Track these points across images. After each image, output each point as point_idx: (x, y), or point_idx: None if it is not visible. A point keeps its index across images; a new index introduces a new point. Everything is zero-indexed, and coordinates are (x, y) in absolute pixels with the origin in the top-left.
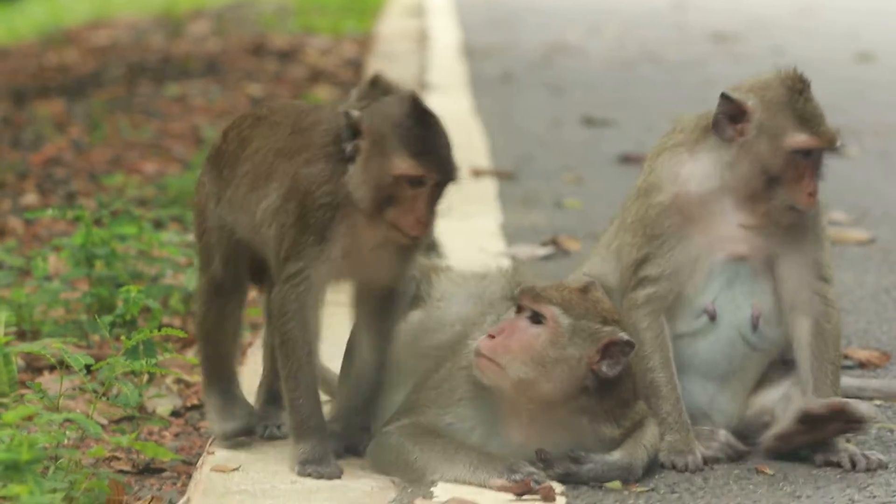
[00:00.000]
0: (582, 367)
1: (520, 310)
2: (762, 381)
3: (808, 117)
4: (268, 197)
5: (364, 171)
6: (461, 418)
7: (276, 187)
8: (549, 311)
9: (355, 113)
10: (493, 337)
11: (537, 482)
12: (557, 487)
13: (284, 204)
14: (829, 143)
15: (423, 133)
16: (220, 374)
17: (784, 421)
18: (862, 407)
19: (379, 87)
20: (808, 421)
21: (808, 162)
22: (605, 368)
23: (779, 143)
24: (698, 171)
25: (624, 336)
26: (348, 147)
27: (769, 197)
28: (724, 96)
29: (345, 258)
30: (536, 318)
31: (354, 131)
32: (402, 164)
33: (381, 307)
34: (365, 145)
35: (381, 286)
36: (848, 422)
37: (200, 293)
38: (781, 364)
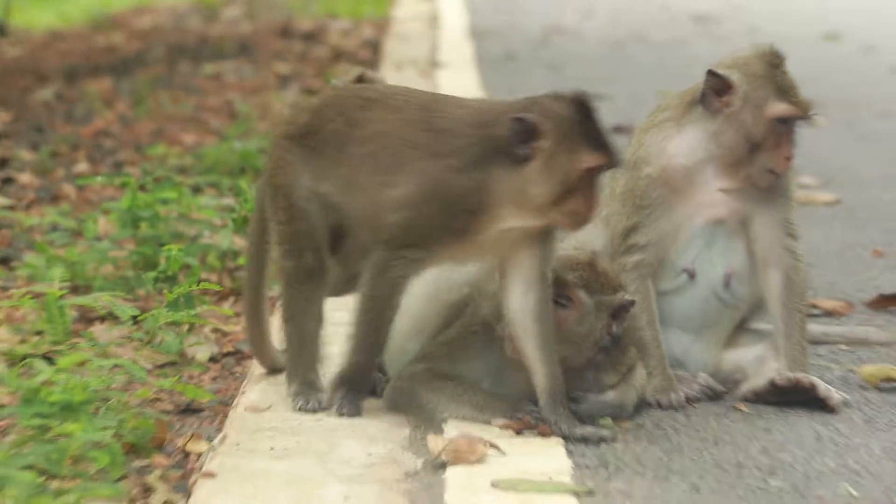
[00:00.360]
0: (602, 333)
1: None
2: (738, 343)
3: (786, 88)
4: (396, 186)
5: (547, 168)
6: (470, 371)
7: (409, 181)
8: (574, 294)
9: (531, 117)
10: None
11: (537, 419)
12: None
13: (421, 202)
14: (805, 112)
15: (600, 128)
16: (303, 359)
17: (759, 380)
18: (821, 388)
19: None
20: (777, 389)
21: (786, 129)
22: (615, 328)
23: (761, 112)
24: (684, 144)
25: (628, 298)
26: (522, 150)
27: (750, 162)
28: (710, 73)
29: (468, 249)
30: (562, 301)
31: (530, 134)
32: (593, 158)
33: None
34: (547, 145)
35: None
36: (812, 396)
37: (286, 280)
38: (754, 332)
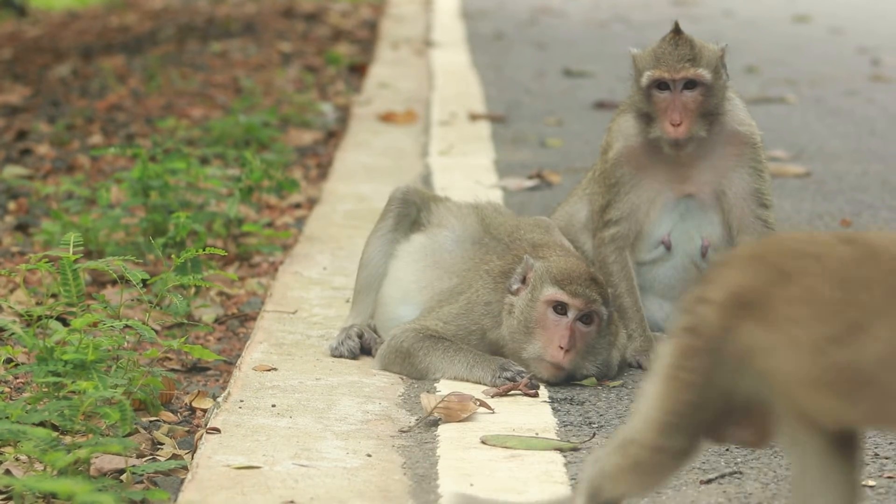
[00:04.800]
0: (612, 336)
1: (562, 310)
2: None
3: (660, 56)
4: None
5: None
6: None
7: None
8: (598, 310)
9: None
10: (564, 349)
11: (525, 378)
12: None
13: None
14: (672, 75)
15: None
16: None
17: None
18: None
19: None
20: None
21: (665, 95)
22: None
23: (639, 82)
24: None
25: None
26: None
27: (650, 132)
28: (630, 50)
29: None
30: (589, 318)
31: None
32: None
33: None
34: None
35: None
36: None
37: None
38: None
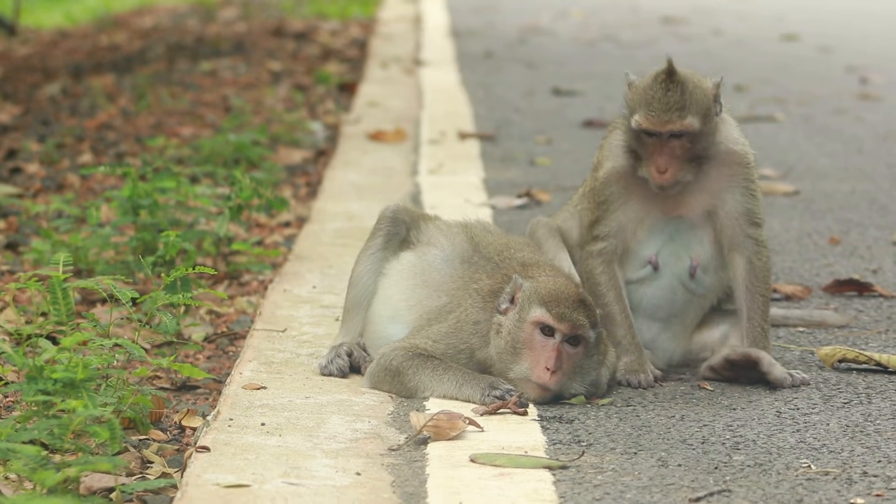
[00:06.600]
0: (601, 355)
1: (549, 332)
2: (705, 324)
3: (649, 101)
4: None
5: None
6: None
7: None
8: (586, 333)
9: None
10: (550, 370)
11: (514, 397)
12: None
13: None
14: (658, 126)
15: None
16: None
17: (716, 357)
18: (764, 363)
19: None
20: (730, 364)
21: (655, 141)
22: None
23: (629, 123)
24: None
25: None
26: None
27: (638, 168)
28: (627, 76)
29: None
30: (576, 340)
31: None
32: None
33: None
34: None
35: None
36: (761, 372)
37: None
38: (721, 311)
